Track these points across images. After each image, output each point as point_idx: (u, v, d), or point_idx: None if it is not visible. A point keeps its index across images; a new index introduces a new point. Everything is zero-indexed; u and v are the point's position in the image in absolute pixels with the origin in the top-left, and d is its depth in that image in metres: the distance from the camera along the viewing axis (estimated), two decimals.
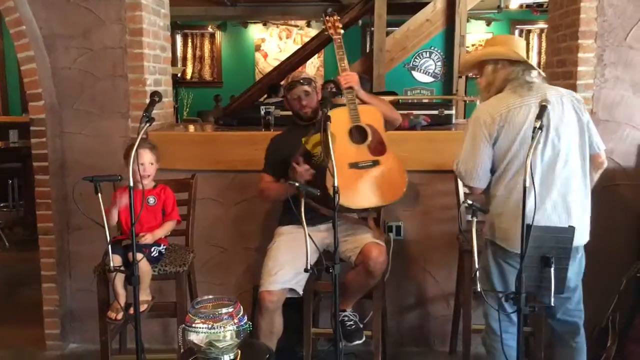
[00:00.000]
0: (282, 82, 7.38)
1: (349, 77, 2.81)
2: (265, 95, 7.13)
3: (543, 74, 2.44)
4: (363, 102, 2.88)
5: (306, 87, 2.95)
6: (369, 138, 2.80)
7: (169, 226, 2.97)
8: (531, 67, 2.38)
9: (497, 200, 2.37)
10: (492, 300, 2.37)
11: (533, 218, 2.08)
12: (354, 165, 2.75)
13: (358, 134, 2.81)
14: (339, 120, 2.72)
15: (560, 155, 2.30)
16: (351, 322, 2.98)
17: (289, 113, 3.54)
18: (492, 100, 2.39)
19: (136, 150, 2.37)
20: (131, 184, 2.34)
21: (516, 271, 2.23)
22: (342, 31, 2.93)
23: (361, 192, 2.74)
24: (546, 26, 4.05)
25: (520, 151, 2.29)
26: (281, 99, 6.34)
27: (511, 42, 2.46)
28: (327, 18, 2.93)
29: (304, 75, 3.08)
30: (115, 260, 2.68)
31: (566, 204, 2.31)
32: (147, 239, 2.84)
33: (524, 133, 2.28)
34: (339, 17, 2.95)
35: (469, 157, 2.37)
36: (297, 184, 2.40)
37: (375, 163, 2.76)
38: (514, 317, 2.38)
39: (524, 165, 2.24)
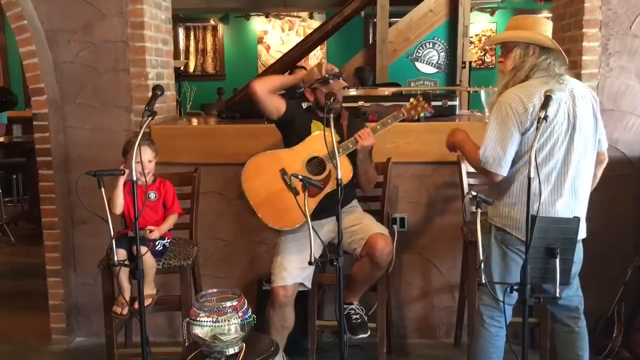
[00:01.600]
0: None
1: (368, 139, 2.77)
2: None
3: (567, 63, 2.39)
4: (353, 159, 2.84)
5: (344, 83, 2.91)
6: (316, 177, 2.80)
7: (172, 220, 2.97)
8: (561, 56, 2.34)
9: (513, 190, 2.34)
10: (496, 292, 2.37)
11: (538, 209, 2.08)
12: (283, 173, 2.81)
13: (317, 164, 2.83)
14: (320, 140, 2.65)
15: (578, 151, 2.29)
16: (357, 316, 2.97)
17: None
18: (523, 88, 2.30)
19: (138, 145, 2.36)
20: (134, 178, 2.34)
21: (520, 259, 2.24)
22: (418, 115, 2.88)
23: (262, 190, 2.82)
24: (550, 15, 4.01)
25: (546, 144, 2.27)
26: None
27: (540, 26, 2.37)
28: (420, 99, 2.85)
29: (338, 70, 2.95)
30: (120, 254, 2.69)
31: (577, 200, 2.31)
32: (155, 234, 2.85)
33: (552, 127, 2.26)
34: (430, 106, 2.87)
35: (497, 144, 2.28)
36: (300, 177, 2.38)
37: (294, 192, 2.66)
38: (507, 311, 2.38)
39: (547, 159, 2.28)
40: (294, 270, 2.78)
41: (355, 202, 3.07)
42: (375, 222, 2.96)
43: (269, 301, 2.86)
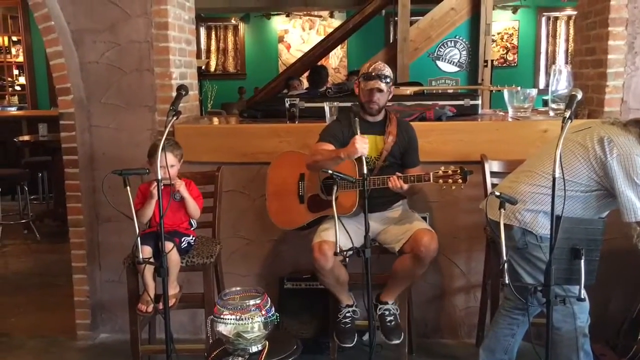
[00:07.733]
0: (302, 76, 7.36)
1: (396, 188, 2.73)
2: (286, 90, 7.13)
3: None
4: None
5: (382, 85, 2.85)
6: (323, 196, 2.94)
7: (197, 203, 2.99)
8: None
9: None
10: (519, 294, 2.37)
11: (562, 209, 2.06)
12: (300, 179, 3.01)
13: (331, 185, 2.74)
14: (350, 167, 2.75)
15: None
16: (391, 317, 2.94)
17: (314, 105, 3.55)
18: None
19: (163, 147, 2.40)
20: (159, 177, 2.38)
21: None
22: (445, 185, 2.70)
23: (278, 183, 3.08)
24: (574, 13, 3.97)
25: None
26: (304, 91, 6.33)
27: None
28: (457, 171, 2.67)
29: (387, 72, 2.89)
30: (145, 251, 2.72)
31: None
32: (181, 186, 2.87)
33: None
34: (462, 184, 2.68)
35: None
36: (330, 171, 2.41)
37: (300, 199, 3.02)
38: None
39: None
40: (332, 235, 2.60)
41: (403, 201, 3.09)
42: (422, 220, 2.99)
43: (315, 265, 2.79)
